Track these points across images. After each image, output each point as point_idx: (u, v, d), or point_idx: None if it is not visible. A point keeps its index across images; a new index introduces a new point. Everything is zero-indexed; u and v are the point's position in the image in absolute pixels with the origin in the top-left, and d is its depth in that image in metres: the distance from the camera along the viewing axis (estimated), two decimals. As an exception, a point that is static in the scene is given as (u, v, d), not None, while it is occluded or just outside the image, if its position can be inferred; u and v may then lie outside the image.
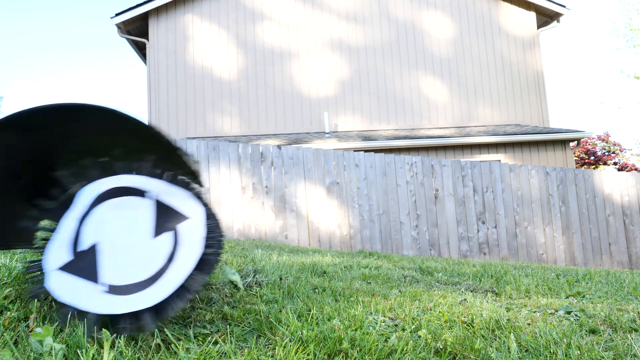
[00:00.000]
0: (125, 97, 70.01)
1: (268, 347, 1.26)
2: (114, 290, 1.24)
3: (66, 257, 1.27)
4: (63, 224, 1.33)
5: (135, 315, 1.23)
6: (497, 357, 1.34)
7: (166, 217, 1.34)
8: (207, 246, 1.36)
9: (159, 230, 1.32)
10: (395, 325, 1.58)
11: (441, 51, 12.06)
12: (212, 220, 1.41)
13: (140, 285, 1.25)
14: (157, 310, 1.25)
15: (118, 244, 1.30)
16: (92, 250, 1.28)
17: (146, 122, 1.29)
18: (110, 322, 1.21)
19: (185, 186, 1.41)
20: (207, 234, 1.37)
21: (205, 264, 1.35)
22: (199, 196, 1.41)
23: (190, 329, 1.36)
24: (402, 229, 7.07)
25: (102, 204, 1.35)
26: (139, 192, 1.36)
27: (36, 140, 1.37)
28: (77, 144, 1.45)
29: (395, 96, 11.83)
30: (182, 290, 1.29)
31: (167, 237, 1.32)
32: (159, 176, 1.41)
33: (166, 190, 1.37)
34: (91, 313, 1.20)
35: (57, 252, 1.28)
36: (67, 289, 1.23)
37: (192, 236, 1.33)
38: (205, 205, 1.41)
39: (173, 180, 1.41)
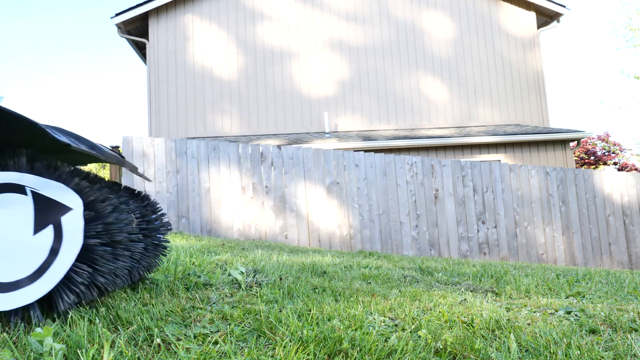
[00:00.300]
0: (125, 97, 70.01)
1: (268, 347, 1.26)
2: (1, 287, 1.27)
3: None
4: None
5: (25, 309, 1.28)
6: (497, 357, 1.34)
7: (48, 210, 1.35)
8: (90, 237, 1.38)
9: (40, 224, 1.34)
10: (395, 325, 1.58)
11: (441, 51, 12.06)
12: (95, 208, 1.42)
13: (26, 280, 1.29)
14: (48, 303, 1.31)
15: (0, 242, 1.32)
16: None
17: (16, 112, 1.30)
18: (4, 316, 1.27)
19: (64, 178, 1.42)
20: (91, 224, 1.39)
21: (91, 254, 1.37)
22: (78, 187, 1.42)
23: (190, 329, 1.36)
24: (402, 229, 7.07)
25: None
26: (16, 188, 1.36)
27: None
28: None
29: (395, 96, 11.83)
30: (69, 282, 1.33)
31: (49, 230, 1.34)
32: (36, 169, 1.41)
33: (44, 183, 1.38)
34: None
35: None
36: None
37: (74, 227, 1.35)
38: (84, 194, 1.41)
39: (50, 173, 1.41)
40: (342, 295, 2.01)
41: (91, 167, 14.08)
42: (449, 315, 1.72)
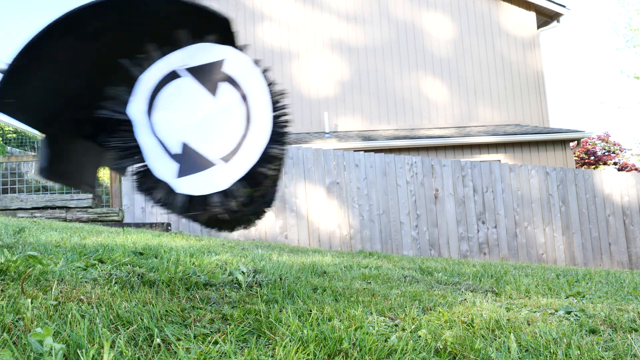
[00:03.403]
0: (125, 97, 69.97)
1: (268, 347, 1.26)
2: (226, 158, 1.27)
3: (170, 163, 1.27)
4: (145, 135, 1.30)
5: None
6: (497, 357, 1.34)
7: (209, 72, 1.32)
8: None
9: (212, 87, 1.31)
10: (395, 325, 1.58)
11: (441, 51, 12.06)
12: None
13: (239, 141, 1.28)
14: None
15: (194, 120, 1.29)
16: (186, 146, 1.27)
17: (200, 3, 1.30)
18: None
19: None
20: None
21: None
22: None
23: (190, 329, 1.36)
24: (402, 229, 7.07)
25: (165, 87, 1.32)
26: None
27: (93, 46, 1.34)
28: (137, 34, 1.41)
29: (395, 96, 11.83)
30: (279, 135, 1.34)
31: (225, 87, 1.31)
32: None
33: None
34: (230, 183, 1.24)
35: (159, 163, 1.27)
36: (194, 185, 1.24)
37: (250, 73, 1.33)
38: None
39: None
40: (342, 295, 2.01)
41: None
42: (449, 315, 1.73)
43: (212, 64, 1.31)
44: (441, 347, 1.38)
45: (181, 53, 1.32)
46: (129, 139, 1.31)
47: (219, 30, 1.39)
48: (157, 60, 1.33)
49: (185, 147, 1.28)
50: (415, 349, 1.33)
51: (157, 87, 1.32)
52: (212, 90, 1.30)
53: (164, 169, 1.26)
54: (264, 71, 1.35)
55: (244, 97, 1.30)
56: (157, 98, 1.31)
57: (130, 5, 1.29)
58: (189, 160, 1.26)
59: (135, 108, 1.32)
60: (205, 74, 1.31)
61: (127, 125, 1.33)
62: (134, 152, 1.31)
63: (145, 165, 1.29)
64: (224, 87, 1.30)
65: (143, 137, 1.29)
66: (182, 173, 1.25)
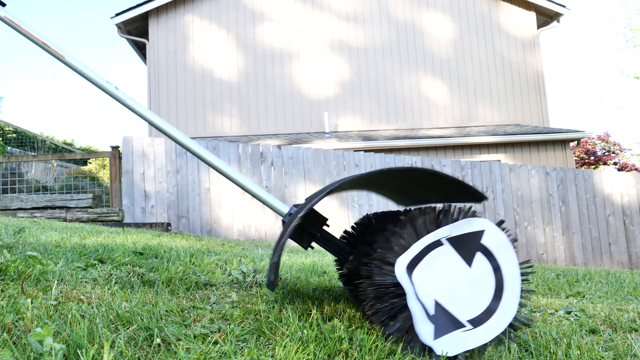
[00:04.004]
0: (125, 97, 69.90)
1: (268, 347, 1.26)
2: (475, 322, 1.33)
3: (428, 326, 1.33)
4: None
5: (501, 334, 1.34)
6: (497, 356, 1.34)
7: (467, 243, 1.41)
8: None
9: (468, 256, 1.39)
10: (395, 325, 1.58)
11: (441, 51, 12.06)
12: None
13: (489, 309, 1.35)
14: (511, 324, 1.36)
15: (448, 284, 1.37)
16: (439, 306, 1.34)
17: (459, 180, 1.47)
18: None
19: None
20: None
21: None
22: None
23: (190, 329, 1.36)
24: (402, 229, 7.07)
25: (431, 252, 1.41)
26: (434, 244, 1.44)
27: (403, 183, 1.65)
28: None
29: (395, 96, 11.83)
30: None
31: (479, 255, 1.39)
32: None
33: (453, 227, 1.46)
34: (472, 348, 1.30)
35: (422, 326, 1.33)
36: (449, 345, 1.30)
37: (496, 239, 1.41)
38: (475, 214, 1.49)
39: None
40: (342, 295, 2.01)
41: (90, 168, 14.08)
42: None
43: (473, 233, 1.40)
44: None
45: (450, 226, 1.43)
46: (396, 304, 1.38)
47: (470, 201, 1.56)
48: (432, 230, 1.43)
49: (437, 306, 1.34)
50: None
51: (423, 252, 1.40)
52: (469, 259, 1.39)
53: (425, 332, 1.32)
54: (514, 241, 1.45)
55: (496, 269, 1.38)
56: (420, 262, 1.39)
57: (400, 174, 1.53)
58: (442, 321, 1.33)
59: (401, 265, 1.39)
60: (464, 243, 1.40)
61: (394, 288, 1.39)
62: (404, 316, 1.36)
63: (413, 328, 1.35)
64: (479, 257, 1.39)
65: (411, 301, 1.35)
66: (437, 334, 1.31)
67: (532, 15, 12.38)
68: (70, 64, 1.66)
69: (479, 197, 1.51)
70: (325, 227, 1.62)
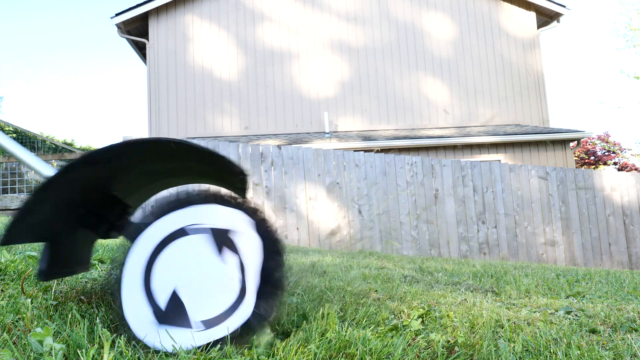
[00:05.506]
0: (125, 97, 70.07)
1: (268, 347, 1.26)
2: (207, 324, 1.21)
3: (144, 306, 1.21)
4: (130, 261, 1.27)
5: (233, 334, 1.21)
6: (501, 356, 1.34)
7: (221, 236, 1.29)
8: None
9: (221, 250, 1.27)
10: (397, 326, 1.58)
11: (441, 51, 12.06)
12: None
13: (226, 312, 1.21)
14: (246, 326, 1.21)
15: (193, 278, 1.24)
16: (174, 295, 1.22)
17: (211, 150, 1.30)
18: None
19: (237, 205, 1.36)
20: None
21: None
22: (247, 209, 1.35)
23: (190, 329, 1.35)
24: (402, 229, 7.07)
25: (173, 241, 1.30)
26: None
27: (101, 172, 1.36)
28: (141, 173, 1.46)
29: (395, 96, 11.83)
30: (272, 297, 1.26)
31: (229, 254, 1.26)
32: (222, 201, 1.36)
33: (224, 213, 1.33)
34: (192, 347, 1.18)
35: (132, 299, 1.21)
36: (164, 338, 1.18)
37: (251, 246, 1.27)
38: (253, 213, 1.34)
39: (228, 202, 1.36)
40: (341, 295, 2.01)
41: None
42: (450, 315, 1.72)
43: (222, 230, 1.29)
44: (443, 347, 1.38)
45: (191, 210, 1.32)
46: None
47: (231, 180, 1.39)
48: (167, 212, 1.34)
49: (174, 295, 1.22)
50: (417, 349, 1.33)
51: (165, 241, 1.31)
52: (218, 251, 1.27)
53: (133, 306, 1.20)
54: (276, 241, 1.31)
55: (241, 268, 1.25)
56: (162, 251, 1.29)
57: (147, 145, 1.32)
58: (170, 311, 1.20)
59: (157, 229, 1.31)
60: (214, 237, 1.28)
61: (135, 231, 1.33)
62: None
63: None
64: (227, 252, 1.27)
65: (133, 260, 1.25)
66: (160, 320, 1.19)
67: (532, 15, 12.38)
68: None
69: (237, 171, 1.34)
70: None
